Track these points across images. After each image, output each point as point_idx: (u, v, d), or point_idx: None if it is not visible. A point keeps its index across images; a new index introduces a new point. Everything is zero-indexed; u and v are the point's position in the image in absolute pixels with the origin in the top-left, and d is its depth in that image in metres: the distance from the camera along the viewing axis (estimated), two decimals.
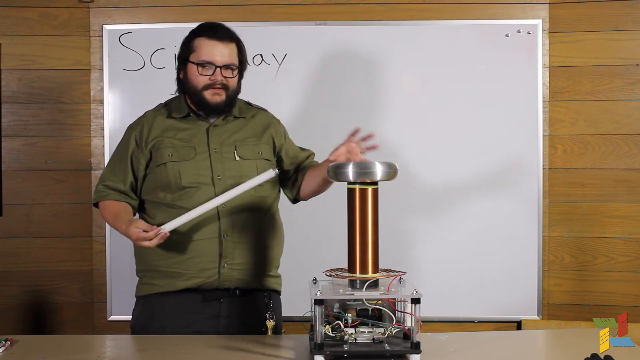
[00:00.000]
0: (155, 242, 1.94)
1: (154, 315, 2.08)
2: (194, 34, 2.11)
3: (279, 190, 2.23)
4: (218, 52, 2.06)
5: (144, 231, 1.93)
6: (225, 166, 2.08)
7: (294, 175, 2.21)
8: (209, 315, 2.06)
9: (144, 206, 2.16)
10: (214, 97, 2.07)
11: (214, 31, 2.08)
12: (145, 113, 2.20)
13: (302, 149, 2.28)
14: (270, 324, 1.95)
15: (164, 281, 2.08)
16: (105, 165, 2.30)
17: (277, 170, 2.01)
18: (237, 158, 2.10)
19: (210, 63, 2.06)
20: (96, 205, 2.19)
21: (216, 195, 2.02)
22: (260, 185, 2.09)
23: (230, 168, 2.08)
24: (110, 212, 2.12)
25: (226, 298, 2.07)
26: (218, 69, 2.06)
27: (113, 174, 2.15)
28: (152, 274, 2.10)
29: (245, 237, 2.07)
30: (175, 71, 2.20)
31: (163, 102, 2.23)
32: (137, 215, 2.18)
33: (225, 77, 2.07)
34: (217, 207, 2.03)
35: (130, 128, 2.18)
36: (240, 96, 2.20)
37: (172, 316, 2.05)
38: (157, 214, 2.10)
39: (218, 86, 2.06)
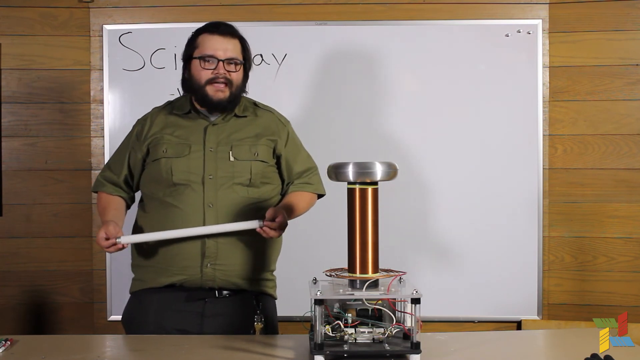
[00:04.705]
0: (111, 250, 2.00)
1: (140, 310, 2.10)
2: (197, 32, 2.13)
3: (280, 192, 2.22)
4: (220, 46, 2.07)
5: (106, 238, 1.97)
6: (218, 166, 2.08)
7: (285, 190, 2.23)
8: (193, 314, 2.05)
9: (143, 200, 2.18)
10: (217, 93, 2.07)
11: (216, 27, 2.10)
12: (153, 109, 2.23)
13: (304, 160, 2.24)
14: (258, 326, 1.94)
15: (149, 276, 2.10)
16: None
17: (262, 223, 1.98)
18: (232, 158, 2.09)
19: (212, 57, 2.06)
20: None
21: (205, 198, 2.04)
22: (257, 187, 2.10)
23: (223, 168, 2.08)
24: (101, 204, 2.19)
25: (211, 298, 2.07)
26: (221, 63, 2.06)
27: (112, 165, 2.21)
28: (140, 269, 2.13)
29: (233, 239, 2.06)
30: (176, 71, 2.21)
31: (171, 99, 2.26)
32: (131, 206, 2.23)
33: (228, 71, 2.07)
34: (203, 206, 2.04)
35: (137, 122, 2.22)
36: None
37: (156, 313, 2.06)
38: (151, 209, 2.12)
39: (221, 80, 2.06)
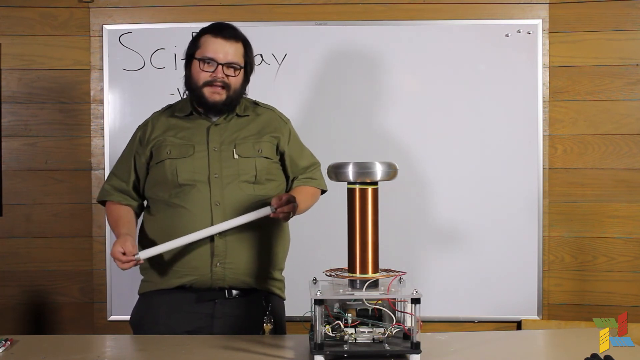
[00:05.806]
0: (126, 266, 1.97)
1: (149, 312, 2.10)
2: (201, 32, 2.13)
3: (285, 189, 2.22)
4: (221, 49, 2.07)
5: (123, 253, 1.96)
6: (222, 164, 2.08)
7: (289, 185, 2.23)
8: (203, 315, 2.06)
9: (148, 204, 2.18)
10: (213, 95, 2.08)
11: (220, 29, 2.10)
12: (153, 113, 2.23)
13: (307, 156, 2.25)
14: (267, 327, 1.94)
15: (159, 278, 2.09)
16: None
17: (273, 208, 1.99)
18: (236, 156, 2.10)
19: (212, 59, 2.07)
20: (102, 202, 2.23)
21: (212, 197, 2.04)
22: (262, 184, 2.10)
23: (228, 166, 2.08)
24: (112, 216, 2.17)
25: (221, 299, 2.07)
26: (220, 66, 2.07)
27: (118, 173, 2.20)
28: (150, 271, 2.12)
29: (241, 237, 2.06)
30: (176, 71, 2.21)
31: (171, 103, 2.25)
32: (141, 214, 2.21)
33: (226, 75, 2.07)
34: (210, 205, 2.04)
35: (138, 128, 2.22)
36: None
37: (166, 314, 2.06)
38: (158, 211, 2.12)
39: (218, 84, 2.07)
